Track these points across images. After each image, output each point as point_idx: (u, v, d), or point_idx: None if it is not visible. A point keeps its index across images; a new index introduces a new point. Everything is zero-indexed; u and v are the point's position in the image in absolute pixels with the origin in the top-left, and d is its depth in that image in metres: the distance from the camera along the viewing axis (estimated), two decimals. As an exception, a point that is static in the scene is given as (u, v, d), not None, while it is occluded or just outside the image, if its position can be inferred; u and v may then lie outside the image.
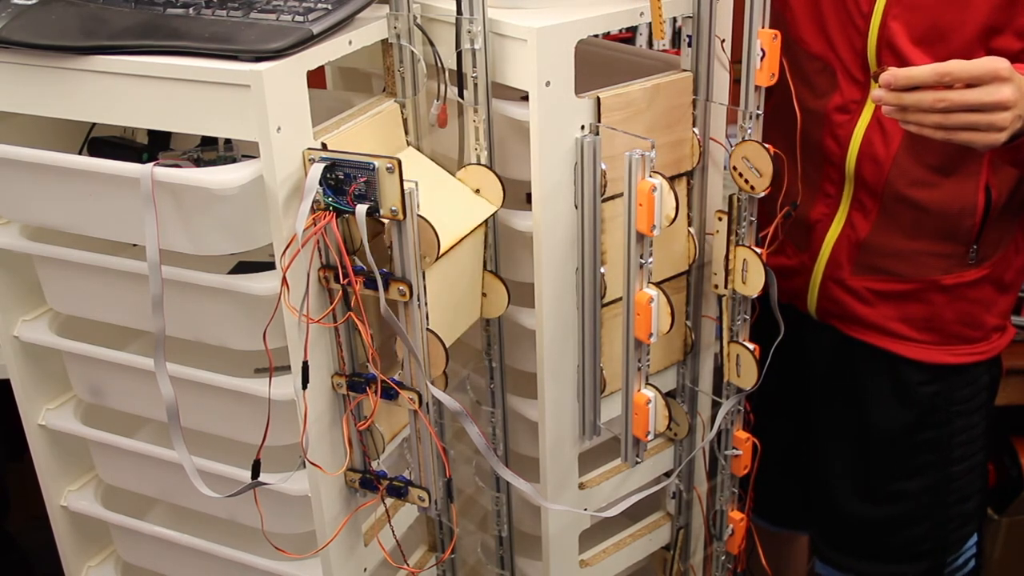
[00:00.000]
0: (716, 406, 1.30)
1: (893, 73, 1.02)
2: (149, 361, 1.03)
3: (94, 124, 1.15)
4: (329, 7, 0.98)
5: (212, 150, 1.18)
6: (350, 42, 1.01)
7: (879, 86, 1.03)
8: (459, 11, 1.04)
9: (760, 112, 1.11)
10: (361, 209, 0.92)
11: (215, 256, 1.01)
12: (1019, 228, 1.29)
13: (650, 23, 1.08)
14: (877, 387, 1.35)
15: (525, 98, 1.05)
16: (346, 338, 1.03)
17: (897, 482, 1.37)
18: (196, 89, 0.92)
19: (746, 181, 1.12)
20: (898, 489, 1.37)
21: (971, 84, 1.00)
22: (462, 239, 1.05)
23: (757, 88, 1.09)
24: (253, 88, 0.89)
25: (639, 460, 1.17)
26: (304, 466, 1.04)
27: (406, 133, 1.11)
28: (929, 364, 1.31)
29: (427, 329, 0.99)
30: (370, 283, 0.95)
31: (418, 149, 1.13)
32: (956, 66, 1.00)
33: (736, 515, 1.35)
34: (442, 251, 0.99)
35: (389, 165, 0.90)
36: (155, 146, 1.16)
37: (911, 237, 1.25)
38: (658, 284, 1.07)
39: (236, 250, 1.00)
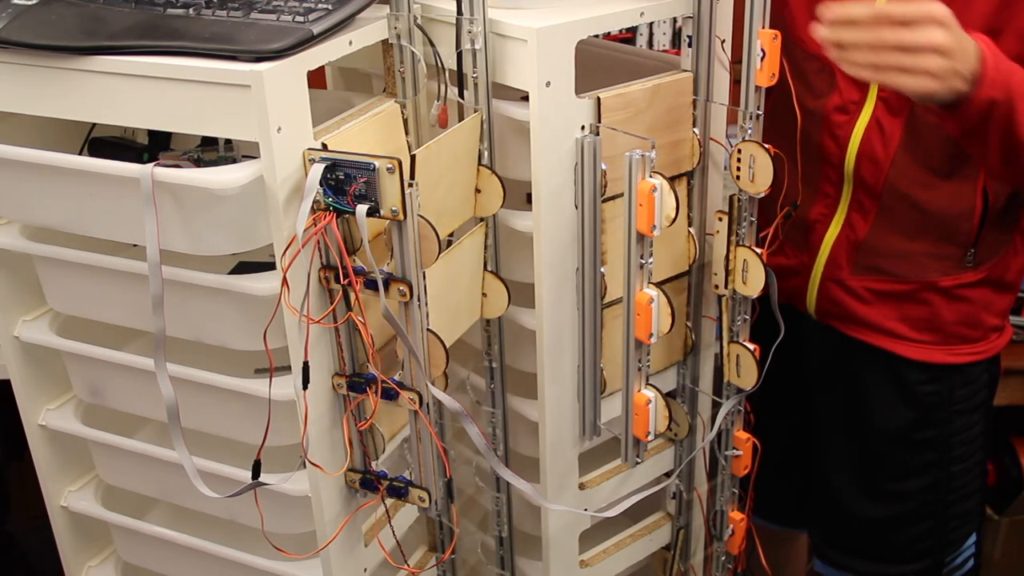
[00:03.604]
0: (716, 406, 1.30)
1: (830, 8, 1.00)
2: (149, 361, 1.03)
3: (94, 124, 1.15)
4: (329, 7, 0.98)
5: (212, 150, 1.18)
6: (350, 42, 1.01)
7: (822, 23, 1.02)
8: (459, 11, 1.04)
9: (760, 112, 1.11)
10: (361, 209, 0.92)
11: (215, 256, 1.01)
12: (1018, 231, 1.29)
13: (650, 23, 1.08)
14: (877, 386, 1.35)
15: (525, 98, 1.05)
16: (346, 338, 1.03)
17: (897, 481, 1.37)
18: (196, 89, 0.92)
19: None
20: (898, 488, 1.37)
21: (906, 25, 0.98)
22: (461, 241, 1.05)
23: (757, 88, 1.09)
24: (253, 88, 0.89)
25: (639, 460, 1.17)
26: (304, 466, 1.04)
27: (406, 133, 1.11)
28: (929, 364, 1.31)
29: (427, 329, 0.99)
30: (370, 283, 0.95)
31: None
32: (893, 6, 0.98)
33: (736, 515, 1.35)
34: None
35: (389, 165, 0.90)
36: (155, 146, 1.17)
37: (909, 238, 1.25)
38: (658, 284, 1.07)
39: (236, 250, 1.00)
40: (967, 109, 1.03)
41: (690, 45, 1.14)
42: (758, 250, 1.16)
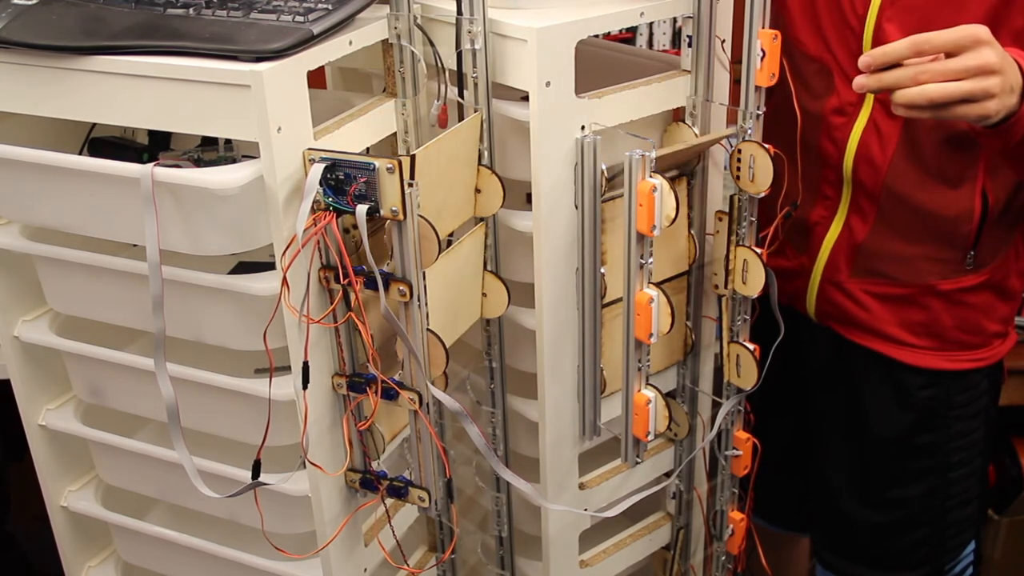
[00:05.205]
0: (716, 406, 1.30)
1: (870, 53, 0.99)
2: (149, 361, 1.03)
3: (94, 124, 1.15)
4: (329, 7, 0.98)
5: (212, 150, 1.18)
6: (350, 42, 1.01)
7: (861, 70, 1.00)
8: (459, 11, 1.04)
9: (760, 112, 1.11)
10: (361, 209, 0.92)
11: (215, 256, 1.01)
12: (1019, 234, 1.29)
13: (650, 23, 1.08)
14: (875, 390, 1.34)
15: (525, 98, 1.05)
16: (346, 338, 1.03)
17: (895, 487, 1.37)
18: (196, 89, 0.92)
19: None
20: (896, 494, 1.37)
21: (951, 54, 0.97)
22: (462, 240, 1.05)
23: (757, 88, 1.09)
24: (253, 88, 0.89)
25: (639, 460, 1.16)
26: (304, 466, 1.04)
27: (405, 133, 1.11)
28: (927, 369, 1.31)
29: (427, 329, 0.99)
30: (371, 283, 0.95)
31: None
32: (933, 35, 0.97)
33: (736, 515, 1.35)
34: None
35: (389, 165, 0.90)
36: (155, 146, 1.17)
37: (908, 241, 1.25)
38: (658, 284, 1.07)
39: (236, 250, 1.00)
40: (1017, 125, 1.02)
41: (690, 45, 1.14)
42: (758, 250, 1.16)
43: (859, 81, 1.01)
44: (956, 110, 0.99)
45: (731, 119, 1.16)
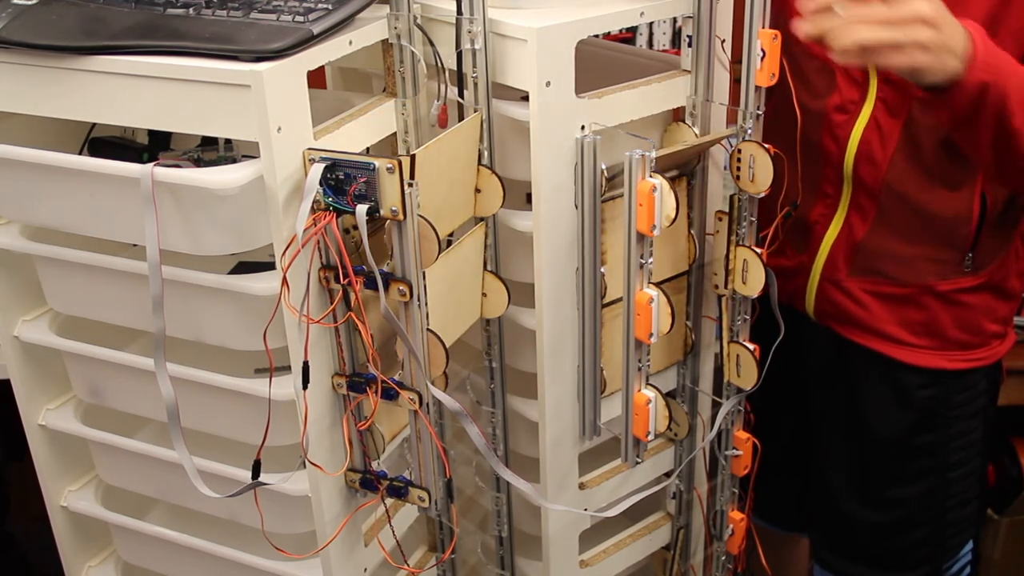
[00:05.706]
0: (716, 406, 1.30)
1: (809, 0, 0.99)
2: (149, 361, 1.03)
3: (94, 124, 1.15)
4: (329, 7, 0.98)
5: (212, 150, 1.18)
6: (350, 42, 1.01)
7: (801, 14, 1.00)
8: (459, 11, 1.04)
9: (760, 112, 1.11)
10: (361, 209, 0.92)
11: (215, 256, 1.01)
12: (1019, 236, 1.29)
13: (650, 23, 1.08)
14: (874, 390, 1.34)
15: (525, 98, 1.05)
16: (346, 338, 1.03)
17: (894, 487, 1.37)
18: (196, 89, 0.92)
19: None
20: (895, 494, 1.37)
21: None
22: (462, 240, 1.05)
23: (757, 88, 1.09)
24: (253, 88, 0.89)
25: (639, 460, 1.17)
26: (304, 466, 1.04)
27: (405, 133, 1.11)
28: (926, 368, 1.31)
29: (427, 329, 0.99)
30: (370, 283, 0.95)
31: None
32: None
33: (736, 515, 1.35)
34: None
35: (389, 165, 0.90)
36: (155, 146, 1.17)
37: (907, 241, 1.25)
38: (658, 284, 1.07)
39: (236, 250, 1.00)
40: (959, 93, 1.01)
41: (690, 45, 1.14)
42: (758, 250, 1.16)
43: (799, 26, 1.00)
44: (887, 58, 0.98)
45: (731, 119, 1.16)
